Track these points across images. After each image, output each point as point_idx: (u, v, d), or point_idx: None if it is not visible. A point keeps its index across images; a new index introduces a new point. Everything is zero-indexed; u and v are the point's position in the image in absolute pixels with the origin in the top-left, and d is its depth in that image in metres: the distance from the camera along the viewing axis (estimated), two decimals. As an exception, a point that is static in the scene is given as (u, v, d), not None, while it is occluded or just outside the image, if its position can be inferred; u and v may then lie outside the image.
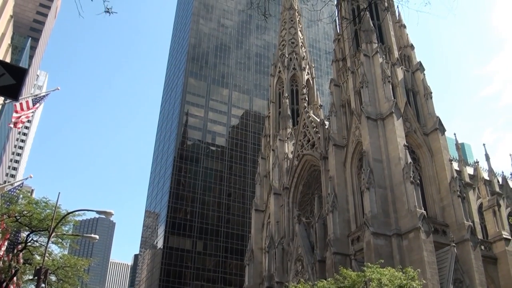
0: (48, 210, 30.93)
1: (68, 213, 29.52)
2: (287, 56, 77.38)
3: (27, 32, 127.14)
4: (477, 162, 56.28)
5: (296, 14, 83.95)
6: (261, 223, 66.22)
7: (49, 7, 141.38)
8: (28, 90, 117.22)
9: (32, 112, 27.65)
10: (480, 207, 49.54)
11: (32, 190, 67.18)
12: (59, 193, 29.99)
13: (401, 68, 53.24)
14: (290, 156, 63.82)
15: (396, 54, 54.62)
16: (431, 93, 51.51)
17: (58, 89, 29.59)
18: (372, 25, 55.06)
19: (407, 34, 57.66)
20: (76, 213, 29.81)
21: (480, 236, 45.41)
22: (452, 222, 42.42)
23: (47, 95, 28.89)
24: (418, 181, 42.82)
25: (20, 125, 28.55)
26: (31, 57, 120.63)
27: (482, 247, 44.02)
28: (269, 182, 66.70)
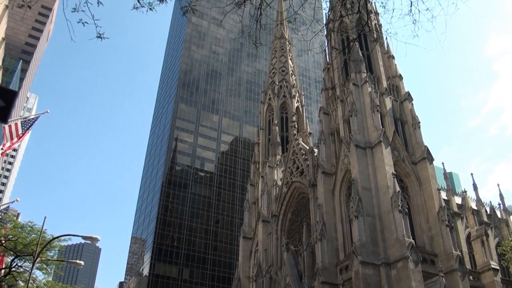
0: (33, 235, 30.43)
1: (54, 238, 29.03)
2: (277, 83, 78.16)
3: (19, 54, 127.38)
4: (465, 191, 56.61)
5: (287, 43, 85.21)
6: (249, 250, 65.51)
7: (41, 31, 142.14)
8: (18, 112, 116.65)
9: (20, 141, 27.43)
10: (468, 237, 49.58)
11: (18, 214, 66.21)
12: (45, 217, 29.52)
13: (390, 98, 53.96)
14: (279, 183, 63.72)
15: (384, 84, 55.42)
16: (419, 122, 52.12)
17: (47, 112, 29.50)
18: (361, 55, 56.00)
19: (395, 65, 58.67)
20: (62, 238, 29.35)
21: (468, 266, 45.27)
22: (441, 251, 42.33)
23: (36, 118, 28.74)
24: (407, 210, 42.83)
25: (7, 151, 28.28)
26: (21, 79, 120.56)
27: (471, 277, 43.87)
28: (257, 209, 66.32)
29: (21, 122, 27.73)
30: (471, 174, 57.43)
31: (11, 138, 26.68)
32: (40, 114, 29.61)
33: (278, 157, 67.34)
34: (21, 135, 26.97)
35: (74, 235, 28.29)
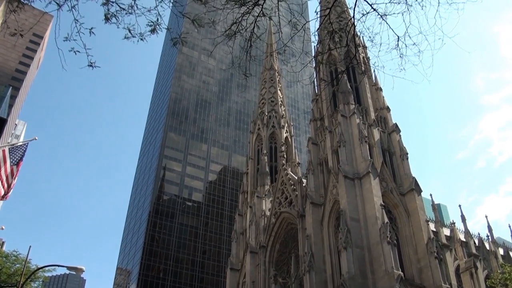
0: (17, 265, 29.73)
1: (38, 269, 28.41)
2: (266, 114, 78.72)
3: (8, 81, 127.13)
4: (454, 223, 56.73)
5: (276, 74, 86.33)
6: (236, 282, 64.43)
7: (32, 58, 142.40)
8: (6, 139, 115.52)
9: (16, 175, 27.26)
10: (457, 269, 49.39)
11: (3, 243, 64.81)
12: (30, 246, 29.01)
13: (378, 129, 54.51)
14: (268, 213, 63.32)
15: (372, 115, 56.07)
16: (407, 154, 52.55)
17: (35, 139, 29.34)
18: (349, 87, 56.82)
19: (383, 97, 59.54)
20: (46, 268, 28.70)
21: (457, 299, 44.93)
22: (430, 284, 42.00)
23: (25, 146, 28.50)
24: (395, 242, 42.69)
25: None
26: (10, 106, 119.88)
27: (460, 311, 43.48)
28: (245, 240, 65.62)
29: (9, 149, 27.47)
30: (459, 206, 57.81)
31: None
32: (28, 141, 29.41)
33: (267, 187, 67.17)
34: (15, 171, 26.72)
35: (58, 266, 27.69)
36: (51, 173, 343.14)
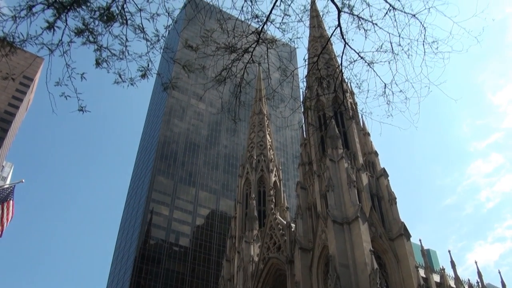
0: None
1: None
2: (255, 158, 78.87)
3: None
4: (443, 269, 56.16)
5: (265, 118, 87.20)
6: (223, 331, 62.50)
7: (21, 100, 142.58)
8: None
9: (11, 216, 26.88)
10: (448, 317, 48.49)
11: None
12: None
13: (366, 174, 54.73)
14: (256, 259, 62.23)
15: (361, 160, 56.44)
16: (396, 198, 52.58)
17: (22, 181, 28.94)
18: (337, 131, 57.41)
19: (371, 142, 60.18)
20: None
21: None
22: (421, 333, 41.09)
23: (12, 189, 28.06)
24: (385, 289, 42.03)
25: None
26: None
27: None
28: (233, 286, 64.12)
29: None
30: (449, 251, 57.52)
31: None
32: (15, 183, 28.99)
33: (255, 231, 66.36)
34: (5, 212, 26.32)
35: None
36: (37, 217, 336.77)
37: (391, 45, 13.70)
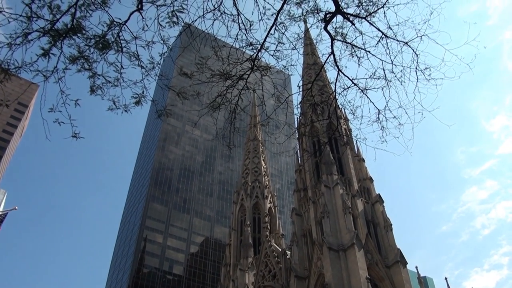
0: None
1: None
2: (250, 184, 78.57)
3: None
4: (440, 297, 55.52)
5: (260, 144, 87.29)
6: None
7: (16, 126, 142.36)
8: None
9: None
10: None
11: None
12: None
13: (361, 200, 54.57)
14: (251, 287, 61.32)
15: (356, 186, 56.36)
16: (391, 225, 52.32)
17: (15, 208, 28.69)
18: (332, 157, 57.49)
19: (366, 168, 60.20)
20: None
21: None
22: None
23: (5, 215, 27.76)
24: (382, 317, 41.40)
25: None
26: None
27: None
28: (228, 315, 62.98)
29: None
30: (446, 279, 56.75)
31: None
32: (8, 210, 28.74)
33: (250, 259, 65.56)
34: None
35: None
36: (30, 244, 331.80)
37: (384, 72, 13.84)
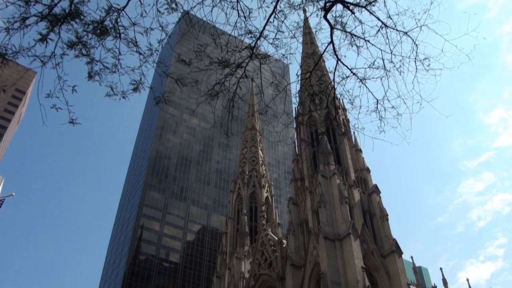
0: None
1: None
2: (247, 173, 78.64)
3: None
4: (435, 286, 55.92)
5: (258, 134, 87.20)
6: None
7: (13, 113, 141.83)
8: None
9: None
10: (440, 336, 48.18)
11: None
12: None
13: (358, 190, 54.73)
14: (247, 275, 61.64)
15: (352, 176, 56.47)
16: (387, 215, 52.53)
17: (12, 195, 28.68)
18: (329, 147, 57.50)
19: (363, 158, 60.28)
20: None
21: None
22: None
23: (2, 201, 27.77)
24: (377, 306, 41.75)
25: None
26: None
27: None
28: (223, 303, 63.38)
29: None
30: (441, 269, 57.18)
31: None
32: (5, 196, 28.75)
33: (246, 247, 65.83)
34: None
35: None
36: (26, 230, 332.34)
37: (383, 62, 13.80)
